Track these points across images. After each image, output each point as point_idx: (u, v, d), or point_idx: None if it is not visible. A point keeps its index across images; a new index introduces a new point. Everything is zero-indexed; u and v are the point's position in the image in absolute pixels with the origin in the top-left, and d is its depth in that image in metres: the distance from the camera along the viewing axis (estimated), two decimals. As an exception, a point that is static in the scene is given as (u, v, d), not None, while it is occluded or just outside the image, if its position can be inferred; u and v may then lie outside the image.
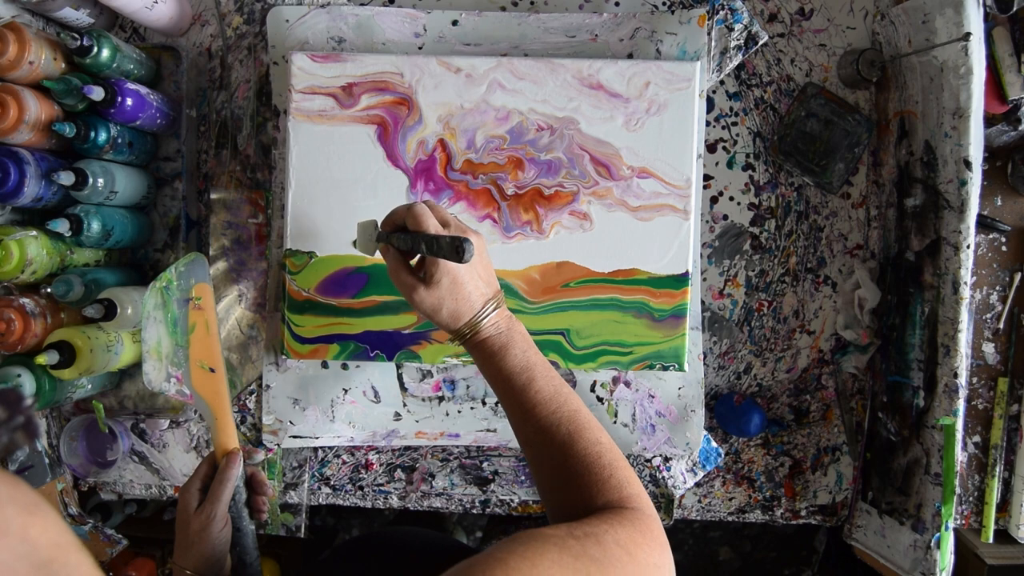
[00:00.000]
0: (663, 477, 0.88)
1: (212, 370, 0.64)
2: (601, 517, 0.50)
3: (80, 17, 0.81)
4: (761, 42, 0.85)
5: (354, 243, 0.69)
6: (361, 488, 0.91)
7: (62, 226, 0.74)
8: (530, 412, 0.58)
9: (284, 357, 0.84)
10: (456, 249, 0.56)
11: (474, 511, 0.92)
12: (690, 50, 0.83)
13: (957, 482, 0.77)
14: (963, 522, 0.88)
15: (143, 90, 0.78)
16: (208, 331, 0.65)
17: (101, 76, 0.76)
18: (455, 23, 0.84)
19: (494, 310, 0.61)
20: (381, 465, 0.91)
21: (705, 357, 0.88)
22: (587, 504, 0.53)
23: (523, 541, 0.45)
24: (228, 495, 0.63)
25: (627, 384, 0.87)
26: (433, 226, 0.60)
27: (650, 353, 0.81)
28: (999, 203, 0.87)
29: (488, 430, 0.87)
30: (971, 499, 0.88)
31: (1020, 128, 0.82)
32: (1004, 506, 0.87)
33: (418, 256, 0.65)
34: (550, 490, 0.56)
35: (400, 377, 0.87)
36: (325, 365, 0.87)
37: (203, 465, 0.65)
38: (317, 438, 0.88)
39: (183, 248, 0.86)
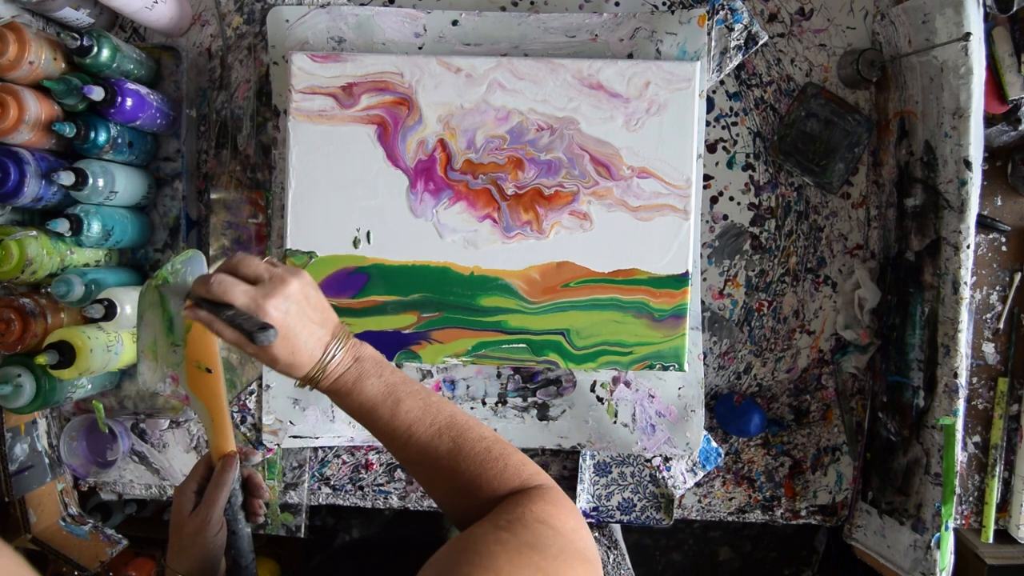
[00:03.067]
0: (663, 477, 0.88)
1: (209, 370, 0.64)
2: (514, 501, 0.52)
3: (80, 17, 0.81)
4: (761, 42, 0.85)
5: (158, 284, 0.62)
6: (361, 488, 0.91)
7: (62, 226, 0.74)
8: (407, 434, 0.56)
9: (284, 357, 0.84)
10: (252, 335, 0.53)
11: (474, 511, 0.92)
12: (690, 50, 0.83)
13: (957, 482, 0.77)
14: (963, 522, 0.88)
15: (143, 90, 0.78)
16: (205, 330, 0.64)
17: (101, 76, 0.76)
18: (455, 23, 0.84)
19: (338, 350, 0.57)
20: (381, 465, 0.91)
21: (705, 357, 0.88)
22: (492, 498, 0.54)
23: (469, 551, 0.45)
24: (224, 499, 0.62)
25: (627, 384, 0.87)
26: (240, 295, 0.55)
27: (650, 353, 0.81)
28: (999, 203, 0.87)
29: (488, 430, 0.87)
30: (971, 499, 0.88)
31: (1020, 128, 0.82)
32: (1004, 506, 0.87)
33: None
34: (449, 498, 0.56)
35: (400, 377, 0.87)
36: (325, 365, 0.87)
37: (199, 467, 0.64)
38: (317, 438, 0.88)
39: (183, 248, 0.86)
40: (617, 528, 1.03)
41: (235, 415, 0.89)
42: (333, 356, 0.57)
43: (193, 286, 0.59)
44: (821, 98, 0.85)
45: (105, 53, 0.75)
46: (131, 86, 0.76)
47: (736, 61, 0.85)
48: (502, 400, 0.87)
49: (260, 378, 0.88)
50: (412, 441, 0.56)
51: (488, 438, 0.56)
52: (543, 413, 0.87)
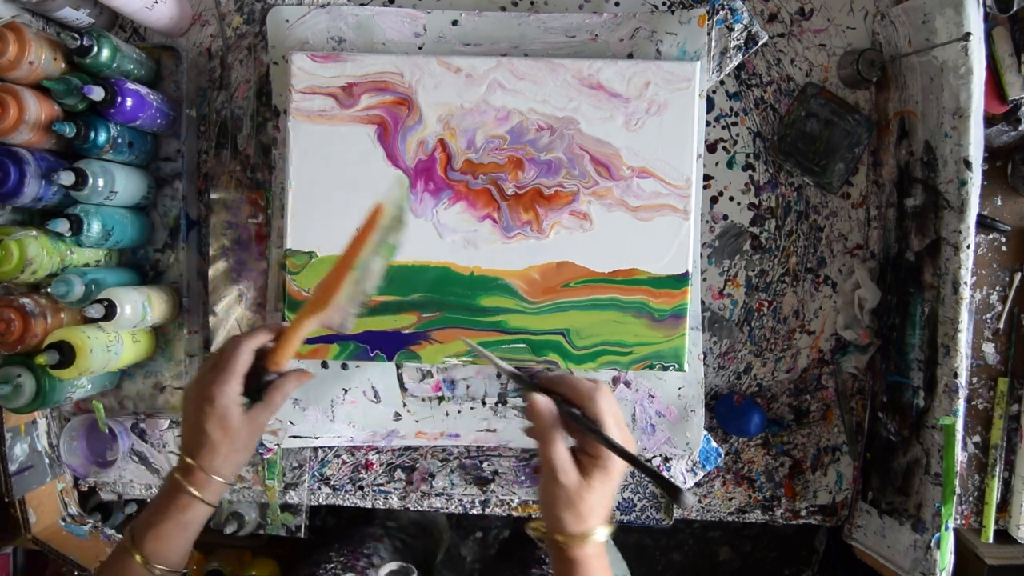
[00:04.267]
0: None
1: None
2: None
3: (80, 17, 0.81)
4: (761, 42, 0.85)
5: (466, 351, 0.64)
6: (361, 488, 0.91)
7: (62, 226, 0.74)
8: None
9: (284, 357, 0.84)
10: (674, 495, 0.51)
11: (474, 511, 0.92)
12: (690, 50, 0.83)
13: (957, 482, 0.77)
14: (963, 522, 0.88)
15: (143, 90, 0.78)
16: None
17: (101, 76, 0.76)
18: (455, 23, 0.84)
19: (607, 532, 0.56)
20: (381, 465, 0.91)
21: (705, 357, 0.88)
22: None
23: None
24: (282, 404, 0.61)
25: (627, 384, 0.87)
26: (611, 428, 0.54)
27: (650, 353, 0.81)
28: (999, 203, 0.87)
29: (488, 430, 0.87)
30: (971, 499, 0.88)
31: (1020, 128, 0.82)
32: (1004, 506, 0.87)
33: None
34: None
35: (400, 377, 0.87)
36: (325, 365, 0.87)
37: (241, 358, 0.61)
38: (317, 438, 0.88)
39: (183, 248, 0.86)
40: None
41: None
42: (600, 533, 0.55)
43: (554, 380, 0.56)
44: (821, 98, 0.85)
45: (105, 53, 0.75)
46: (131, 86, 0.76)
47: (736, 61, 0.85)
48: (502, 400, 0.87)
49: (260, 378, 0.88)
50: None
51: None
52: (543, 413, 0.87)
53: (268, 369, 0.64)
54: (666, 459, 0.88)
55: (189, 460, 0.60)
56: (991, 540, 0.87)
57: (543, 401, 0.54)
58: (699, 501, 0.91)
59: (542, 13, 0.84)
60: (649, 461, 0.80)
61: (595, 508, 0.53)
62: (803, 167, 0.86)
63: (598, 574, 0.55)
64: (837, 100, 0.85)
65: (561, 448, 0.54)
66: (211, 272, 0.88)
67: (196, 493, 0.59)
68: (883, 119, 0.85)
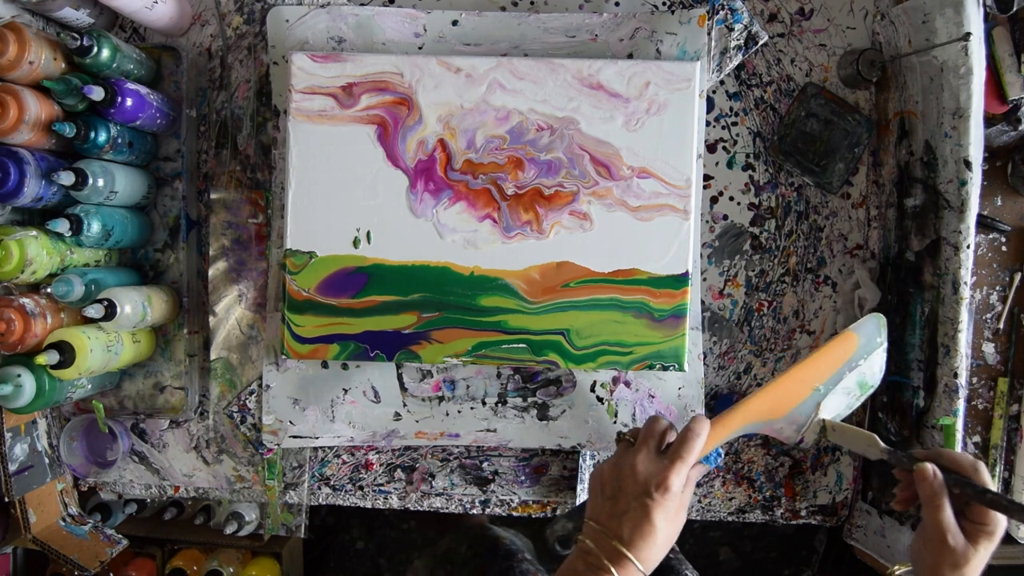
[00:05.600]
0: (663, 477, 0.88)
1: None
2: None
3: (80, 17, 0.81)
4: (761, 42, 0.85)
5: (809, 429, 0.63)
6: (361, 488, 0.91)
7: (62, 226, 0.74)
8: None
9: (284, 357, 0.84)
10: None
11: (474, 511, 0.92)
12: (690, 50, 0.83)
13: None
14: (963, 522, 0.88)
15: (143, 90, 0.78)
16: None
17: (101, 76, 0.76)
18: (455, 23, 0.84)
19: None
20: (381, 465, 0.91)
21: (705, 357, 0.88)
22: None
23: None
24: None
25: (627, 384, 0.87)
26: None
27: (650, 353, 0.81)
28: (999, 203, 0.87)
29: (488, 430, 0.87)
30: (971, 499, 0.88)
31: (1020, 128, 0.82)
32: (1004, 506, 0.87)
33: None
34: None
35: (400, 377, 0.87)
36: (325, 365, 0.87)
37: (700, 446, 0.60)
38: (317, 438, 0.88)
39: (183, 248, 0.86)
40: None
41: (235, 415, 0.89)
42: None
43: (936, 457, 0.58)
44: (821, 98, 0.85)
45: (105, 53, 0.75)
46: (131, 86, 0.76)
47: (736, 61, 0.85)
48: (502, 400, 0.87)
49: (260, 378, 0.88)
50: None
51: None
52: (543, 413, 0.87)
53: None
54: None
55: (622, 549, 0.55)
56: (991, 540, 0.87)
57: (931, 468, 0.57)
58: (699, 501, 0.91)
59: (542, 13, 0.84)
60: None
61: (975, 572, 0.56)
62: (803, 167, 0.86)
63: None
64: (837, 100, 0.85)
65: (949, 513, 0.56)
66: (211, 272, 0.88)
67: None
68: (883, 119, 0.85)
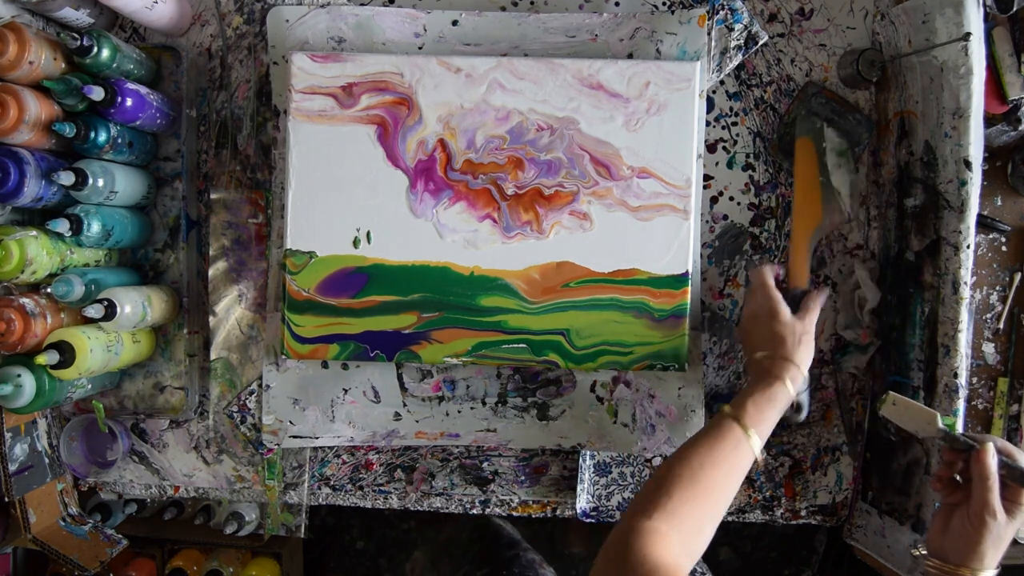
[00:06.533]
0: (663, 477, 0.88)
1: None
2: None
3: (80, 17, 0.81)
4: (761, 42, 0.85)
5: (881, 405, 0.71)
6: (361, 488, 0.91)
7: (62, 226, 0.74)
8: None
9: (284, 357, 0.84)
10: None
11: (474, 511, 0.92)
12: (690, 50, 0.83)
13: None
14: (963, 522, 0.88)
15: (143, 90, 0.78)
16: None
17: (101, 76, 0.76)
18: (455, 23, 0.84)
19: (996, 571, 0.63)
20: (381, 465, 0.91)
21: (705, 357, 0.88)
22: None
23: None
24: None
25: (627, 384, 0.87)
26: None
27: (650, 353, 0.81)
28: (999, 203, 0.87)
29: (488, 430, 0.87)
30: (971, 499, 0.88)
31: (1020, 128, 0.82)
32: (1004, 506, 0.87)
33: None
34: None
35: (400, 377, 0.87)
36: (325, 365, 0.87)
37: (769, 284, 0.75)
38: (317, 438, 0.88)
39: (183, 248, 0.86)
40: None
41: (235, 415, 0.89)
42: (991, 573, 0.63)
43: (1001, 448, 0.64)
44: (821, 97, 0.85)
45: (105, 53, 0.75)
46: (131, 86, 0.76)
47: (736, 61, 0.85)
48: (502, 400, 0.87)
49: (260, 378, 0.88)
50: None
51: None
52: (543, 413, 0.87)
53: (793, 287, 0.78)
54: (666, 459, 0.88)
55: (772, 354, 0.72)
56: (991, 540, 0.87)
57: (991, 452, 0.63)
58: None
59: (542, 13, 0.84)
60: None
61: (1006, 544, 0.62)
62: (803, 167, 0.86)
63: None
64: (837, 99, 0.85)
65: (998, 492, 0.62)
66: (211, 272, 0.88)
67: (781, 378, 0.70)
68: (883, 119, 0.85)
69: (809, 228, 0.81)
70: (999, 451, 0.63)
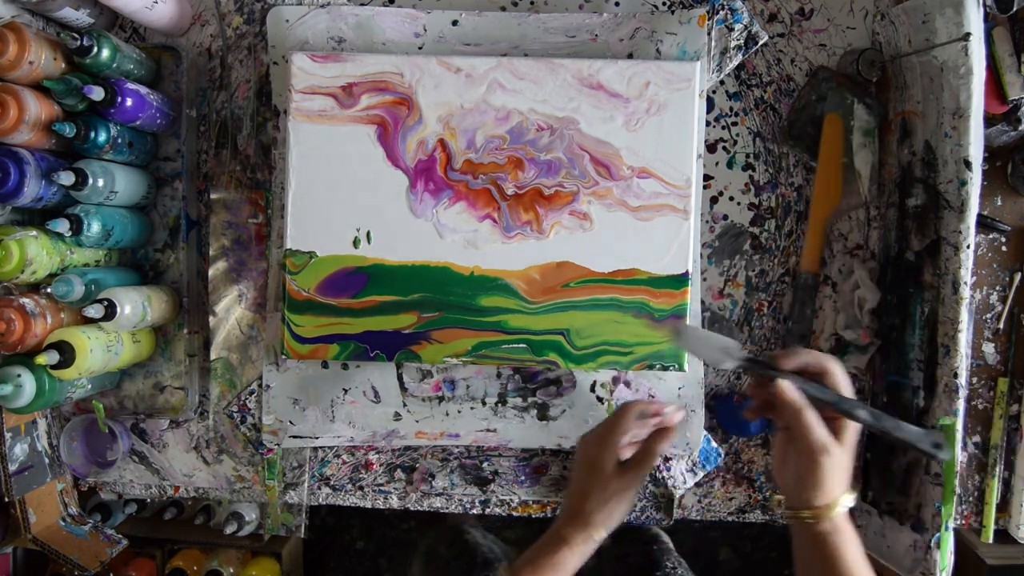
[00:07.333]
0: (663, 477, 0.88)
1: None
2: None
3: (80, 17, 0.81)
4: (761, 42, 0.85)
5: (674, 338, 0.68)
6: (361, 488, 0.91)
7: (62, 226, 0.74)
8: None
9: (284, 357, 0.84)
10: (930, 442, 0.56)
11: (474, 511, 0.92)
12: (690, 50, 0.83)
13: (957, 482, 0.77)
14: (963, 522, 0.88)
15: (143, 90, 0.78)
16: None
17: (101, 76, 0.76)
18: (455, 23, 0.84)
19: (855, 495, 0.59)
20: (381, 465, 0.91)
21: (705, 357, 0.88)
22: None
23: None
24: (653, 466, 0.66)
25: (627, 384, 0.87)
26: (851, 395, 0.58)
27: (650, 353, 0.81)
28: (999, 203, 0.87)
29: (488, 430, 0.87)
30: (971, 499, 0.88)
31: (1020, 128, 0.82)
32: (1004, 506, 0.87)
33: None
34: None
35: (400, 377, 0.87)
36: (325, 365, 0.87)
37: (623, 420, 0.66)
38: (317, 438, 0.88)
39: (183, 248, 0.86)
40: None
41: (235, 415, 0.89)
42: (849, 498, 0.58)
43: (780, 357, 0.59)
44: (832, 82, 0.84)
45: (105, 53, 0.75)
46: (131, 86, 0.76)
47: (736, 61, 0.85)
48: (502, 400, 0.87)
49: (260, 378, 0.88)
50: None
51: None
52: (543, 413, 0.87)
53: (804, 270, 0.79)
54: (666, 459, 0.88)
55: (567, 506, 0.66)
56: (991, 540, 0.87)
57: (788, 384, 0.58)
58: (699, 501, 0.91)
59: (542, 13, 0.84)
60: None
61: (846, 472, 0.57)
62: (813, 152, 0.85)
63: (855, 538, 0.57)
64: (848, 84, 0.84)
65: (819, 422, 0.57)
66: (211, 272, 0.88)
67: (568, 537, 0.64)
68: (885, 119, 0.85)
69: (827, 210, 0.81)
70: (811, 375, 0.58)
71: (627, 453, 0.69)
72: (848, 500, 0.57)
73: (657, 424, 0.69)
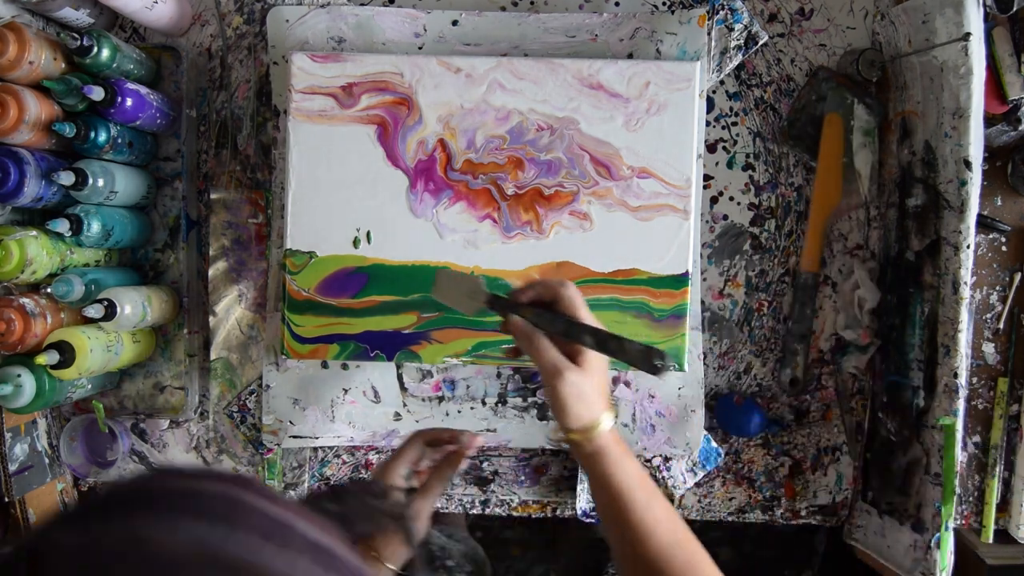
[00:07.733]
0: (663, 477, 0.88)
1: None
2: None
3: (80, 17, 0.81)
4: (761, 42, 0.85)
5: (433, 291, 0.66)
6: (361, 488, 0.91)
7: (62, 226, 0.74)
8: (651, 531, 0.55)
9: (284, 357, 0.84)
10: (650, 361, 0.55)
11: (474, 511, 0.92)
12: (690, 50, 0.83)
13: (957, 482, 0.77)
14: (963, 522, 0.88)
15: (143, 90, 0.78)
16: None
17: (101, 76, 0.76)
18: (455, 23, 0.84)
19: (610, 417, 0.59)
20: (381, 465, 0.91)
21: (705, 357, 0.88)
22: None
23: None
24: (442, 491, 0.62)
25: (627, 384, 0.87)
26: (586, 319, 0.58)
27: (650, 353, 0.81)
28: (999, 203, 0.87)
29: (488, 430, 0.87)
30: (971, 499, 0.88)
31: (1020, 128, 0.82)
32: (1004, 506, 0.87)
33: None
34: None
35: (400, 377, 0.87)
36: (325, 365, 0.87)
37: (407, 447, 0.65)
38: (317, 438, 0.88)
39: (183, 248, 0.86)
40: None
41: (235, 415, 0.89)
42: (607, 419, 0.58)
43: (517, 292, 0.61)
44: (832, 82, 0.84)
45: (105, 53, 0.74)
46: (131, 86, 0.76)
47: (736, 61, 0.85)
48: (502, 400, 0.87)
49: (260, 378, 0.88)
50: (652, 540, 0.55)
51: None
52: (543, 413, 0.87)
53: (804, 270, 0.81)
54: (666, 459, 0.88)
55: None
56: (991, 540, 0.87)
57: (517, 317, 0.59)
58: (699, 501, 0.91)
59: (542, 13, 0.84)
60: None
61: (597, 392, 0.57)
62: (813, 152, 0.85)
63: (625, 456, 0.57)
64: (848, 84, 0.84)
65: (550, 348, 0.58)
66: (211, 272, 0.88)
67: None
68: (885, 119, 0.85)
69: (827, 210, 0.82)
70: (547, 304, 0.59)
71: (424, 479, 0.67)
72: (607, 420, 0.57)
73: (452, 450, 0.67)
